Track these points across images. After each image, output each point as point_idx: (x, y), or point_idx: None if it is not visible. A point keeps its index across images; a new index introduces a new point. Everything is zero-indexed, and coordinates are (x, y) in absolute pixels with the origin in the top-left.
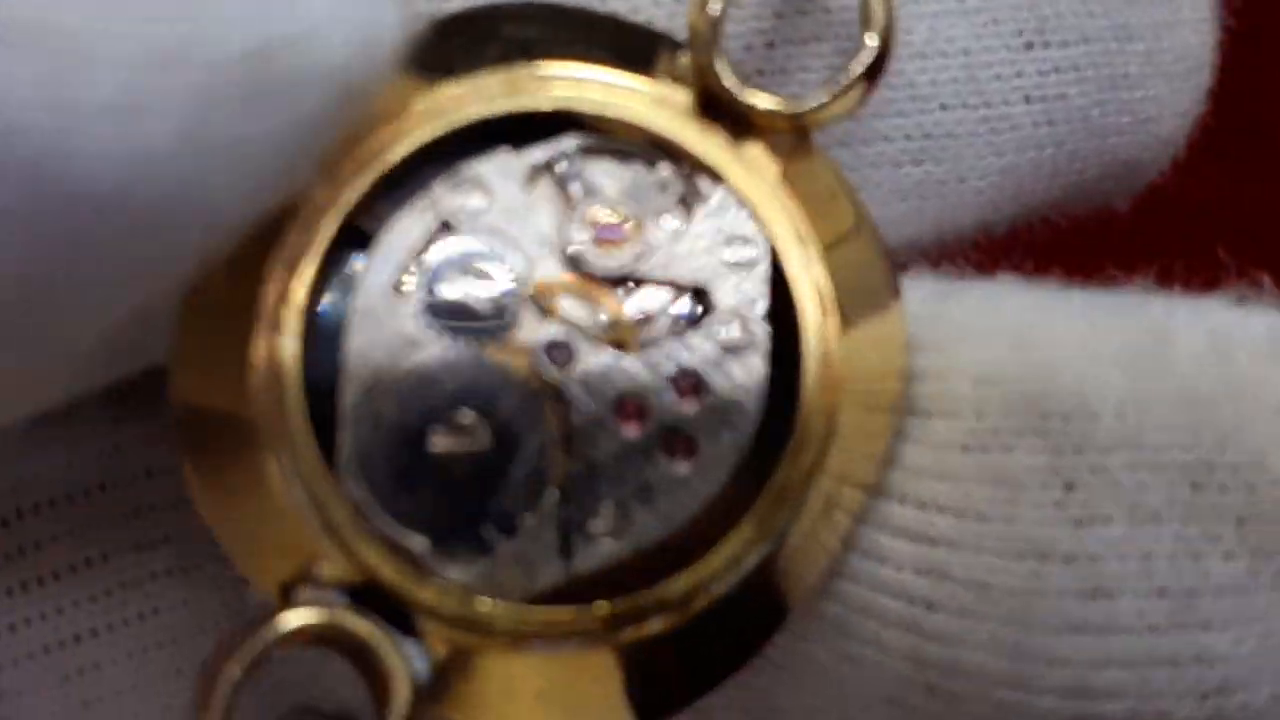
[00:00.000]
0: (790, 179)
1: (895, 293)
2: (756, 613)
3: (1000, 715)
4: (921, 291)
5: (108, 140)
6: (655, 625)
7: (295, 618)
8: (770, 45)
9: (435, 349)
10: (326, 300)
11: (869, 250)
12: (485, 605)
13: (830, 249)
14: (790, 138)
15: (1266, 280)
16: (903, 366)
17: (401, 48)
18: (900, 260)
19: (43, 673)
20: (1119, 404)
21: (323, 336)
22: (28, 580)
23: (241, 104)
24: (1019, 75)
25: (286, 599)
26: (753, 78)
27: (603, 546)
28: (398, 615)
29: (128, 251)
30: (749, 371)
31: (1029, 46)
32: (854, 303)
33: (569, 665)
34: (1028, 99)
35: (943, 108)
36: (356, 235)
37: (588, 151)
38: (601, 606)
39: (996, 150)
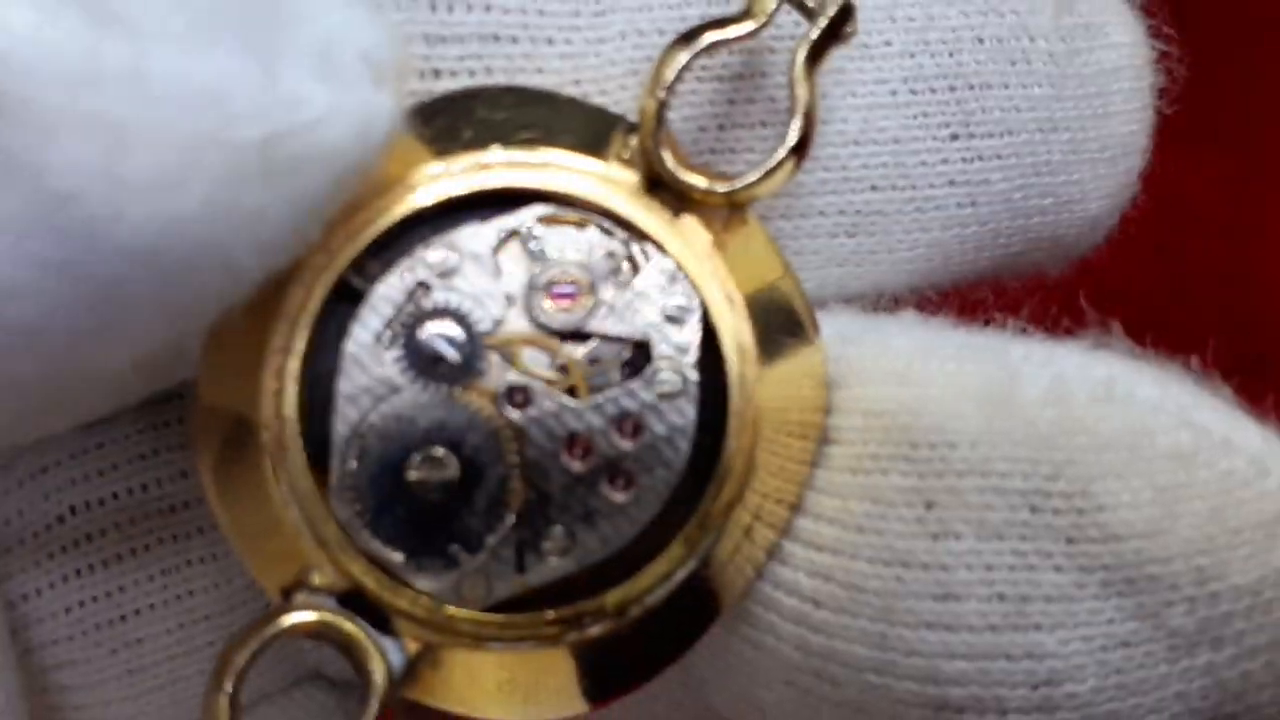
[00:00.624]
0: (723, 246)
1: (815, 333)
2: (690, 616)
3: (871, 696)
4: (830, 330)
5: (148, 207)
6: (596, 629)
7: (291, 618)
8: (722, 128)
9: (412, 391)
10: (322, 348)
11: (792, 298)
12: (451, 611)
13: (758, 299)
14: (725, 210)
15: (1117, 327)
16: (824, 399)
17: (395, 131)
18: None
19: (96, 645)
20: (974, 436)
21: (319, 379)
22: (82, 567)
23: (256, 181)
24: (944, 162)
25: (286, 600)
26: (705, 155)
27: (552, 564)
28: (378, 617)
29: (160, 298)
30: (681, 415)
31: (954, 137)
32: (781, 342)
33: (526, 659)
34: (952, 183)
35: (873, 189)
36: (349, 292)
37: (548, 221)
38: (549, 614)
39: (922, 227)
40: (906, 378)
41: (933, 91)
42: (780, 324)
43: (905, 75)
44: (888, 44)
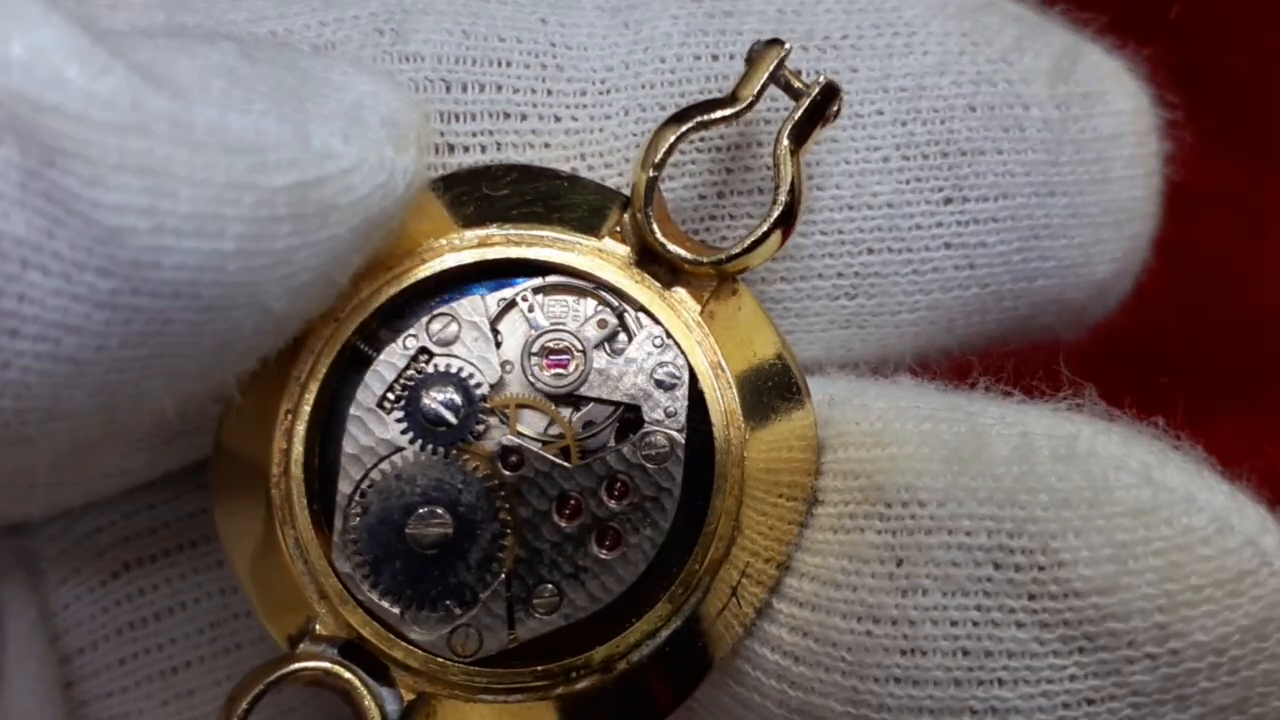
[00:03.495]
0: (713, 315)
1: (807, 397)
2: (679, 672)
3: None
4: (820, 395)
5: (188, 245)
6: (583, 684)
7: (293, 666)
8: (720, 195)
9: (412, 452)
10: (332, 410)
11: (783, 362)
12: (443, 663)
13: (749, 365)
14: (714, 280)
15: (1092, 389)
16: (813, 462)
17: (418, 187)
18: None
19: (148, 697)
20: (941, 495)
21: (327, 439)
22: (135, 620)
23: (287, 224)
24: (939, 225)
25: (291, 649)
26: (705, 220)
27: (541, 619)
28: (376, 666)
29: (199, 335)
30: (668, 478)
31: (948, 201)
32: (773, 406)
33: (517, 712)
34: (947, 245)
35: (869, 251)
36: (357, 357)
37: (544, 291)
38: (537, 668)
39: (921, 289)
40: (882, 439)
41: (925, 157)
42: (771, 389)
43: (898, 142)
44: (880, 112)
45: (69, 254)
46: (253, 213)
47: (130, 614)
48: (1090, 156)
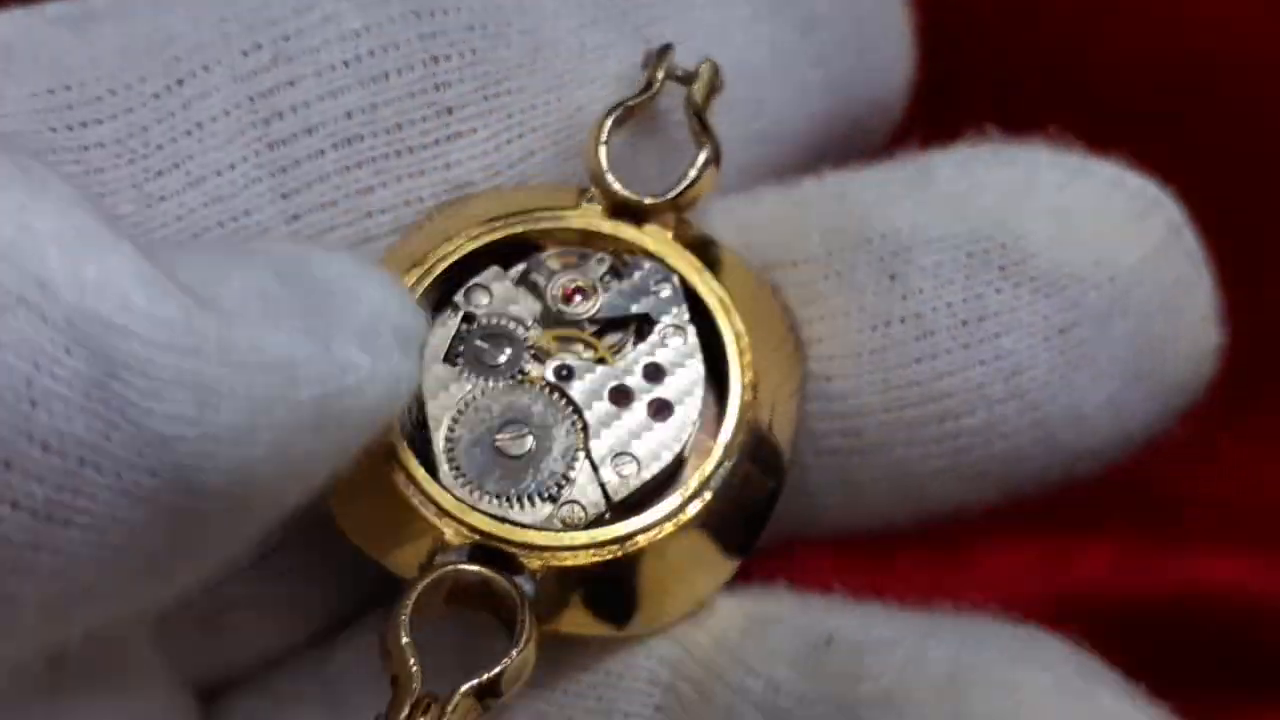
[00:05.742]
0: (680, 239)
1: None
2: (757, 485)
3: (887, 432)
4: (773, 194)
5: (226, 452)
6: (693, 509)
7: (439, 573)
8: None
9: (481, 388)
10: None
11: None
12: (560, 535)
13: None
14: (673, 215)
15: (991, 127)
16: (763, 277)
17: (413, 390)
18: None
19: None
20: (911, 219)
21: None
22: None
23: (309, 433)
24: (804, 54)
25: (428, 567)
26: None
27: (626, 483)
28: (503, 559)
29: (223, 527)
30: (689, 354)
31: (804, 34)
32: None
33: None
34: (814, 66)
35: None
36: None
37: (552, 256)
38: (640, 513)
39: (801, 106)
40: (847, 199)
41: (779, 12)
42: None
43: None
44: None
45: (122, 455)
46: (282, 423)
47: None
48: None
